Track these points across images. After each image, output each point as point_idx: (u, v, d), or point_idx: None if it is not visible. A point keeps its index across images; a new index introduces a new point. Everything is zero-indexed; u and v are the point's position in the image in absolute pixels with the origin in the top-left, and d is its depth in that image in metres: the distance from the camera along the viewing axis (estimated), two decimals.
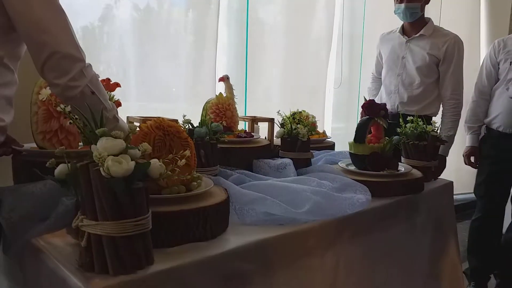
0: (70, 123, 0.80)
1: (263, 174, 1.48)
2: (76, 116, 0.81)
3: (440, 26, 2.59)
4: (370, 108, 1.65)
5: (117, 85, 1.46)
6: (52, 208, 0.98)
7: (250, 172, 1.45)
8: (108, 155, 0.76)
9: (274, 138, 1.84)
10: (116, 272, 0.77)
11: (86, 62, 1.07)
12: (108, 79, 1.45)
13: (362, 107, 1.67)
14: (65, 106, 0.80)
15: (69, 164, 0.80)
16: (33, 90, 1.23)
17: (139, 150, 0.82)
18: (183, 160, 0.85)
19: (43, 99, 0.79)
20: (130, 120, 1.53)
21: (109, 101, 1.12)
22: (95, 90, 1.05)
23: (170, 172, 0.83)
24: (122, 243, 0.78)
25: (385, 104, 1.69)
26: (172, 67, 2.48)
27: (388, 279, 1.46)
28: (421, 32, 2.34)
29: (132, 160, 0.78)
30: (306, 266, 1.14)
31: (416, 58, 2.35)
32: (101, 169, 0.75)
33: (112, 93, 1.43)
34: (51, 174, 0.88)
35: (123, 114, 1.53)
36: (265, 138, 1.86)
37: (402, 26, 2.45)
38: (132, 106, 2.29)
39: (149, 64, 2.37)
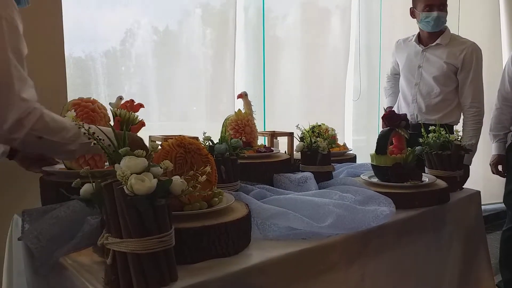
0: (94, 143, 0.82)
1: (284, 189, 1.47)
2: (100, 137, 0.84)
3: (459, 34, 2.56)
4: (391, 119, 1.63)
5: (140, 105, 1.49)
6: (78, 228, 1.00)
7: (271, 187, 1.45)
8: (131, 174, 0.78)
9: (294, 152, 1.84)
10: None
11: (32, 107, 0.97)
12: (132, 101, 1.49)
13: (382, 118, 1.66)
14: (89, 128, 0.82)
15: (93, 184, 0.82)
16: (61, 113, 1.28)
17: (161, 167, 0.83)
18: (204, 176, 0.86)
19: None
20: (152, 139, 1.56)
21: (69, 130, 1.04)
22: (42, 134, 0.99)
23: (191, 189, 0.84)
24: (146, 260, 0.79)
25: (405, 115, 1.68)
26: (192, 86, 2.53)
27: None
28: (438, 41, 2.32)
29: (154, 177, 0.80)
30: (330, 281, 1.12)
31: (433, 67, 2.33)
32: (124, 187, 0.77)
33: (136, 113, 1.46)
34: (77, 194, 0.90)
35: (145, 133, 1.57)
36: (285, 152, 1.86)
37: (418, 35, 2.43)
38: (154, 126, 2.34)
39: (169, 84, 2.43)
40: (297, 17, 3.00)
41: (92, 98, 1.34)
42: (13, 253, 1.26)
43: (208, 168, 0.91)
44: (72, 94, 1.78)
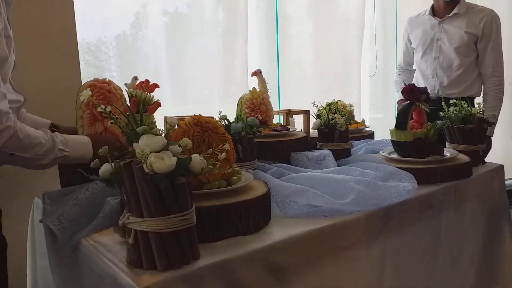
0: (111, 123, 0.81)
1: (301, 167, 1.45)
2: (117, 116, 0.82)
3: (479, 3, 2.47)
4: (411, 93, 1.58)
5: (156, 86, 1.48)
6: (98, 209, 1.01)
7: (288, 165, 1.43)
8: (150, 152, 0.77)
9: (311, 130, 1.81)
10: (164, 267, 0.78)
11: (4, 123, 0.94)
12: (147, 81, 1.47)
13: (402, 92, 1.61)
14: (105, 107, 0.81)
15: (112, 163, 0.81)
16: (77, 95, 1.27)
17: (179, 146, 0.82)
18: (223, 154, 0.84)
19: (84, 100, 0.81)
20: (168, 120, 1.55)
21: (43, 146, 1.03)
22: (14, 151, 0.99)
23: (211, 166, 0.83)
24: (168, 238, 0.78)
25: (426, 88, 1.62)
26: (204, 67, 2.50)
27: (438, 268, 1.40)
28: (455, 11, 2.24)
29: (173, 156, 0.79)
30: (352, 258, 1.11)
31: (453, 38, 2.25)
32: (144, 166, 0.75)
33: (152, 94, 1.45)
34: (96, 175, 0.90)
35: (160, 115, 1.56)
36: (301, 130, 1.84)
37: (432, 8, 2.35)
38: (168, 108, 2.33)
39: (182, 66, 2.40)
40: None
41: (107, 79, 1.33)
42: (35, 235, 1.28)
43: (227, 146, 0.89)
44: (86, 79, 1.78)
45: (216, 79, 2.54)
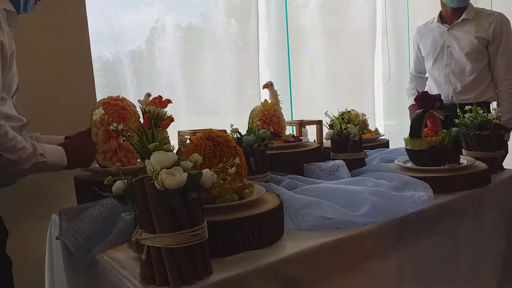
0: (123, 140, 0.83)
1: (315, 178, 1.45)
2: (129, 134, 0.84)
3: (491, 8, 2.44)
4: (425, 100, 1.56)
5: (168, 101, 1.50)
6: (112, 225, 1.02)
7: (301, 177, 1.42)
8: (161, 168, 0.78)
9: (324, 141, 1.80)
10: (176, 284, 0.78)
11: None
12: (160, 97, 1.49)
13: (415, 100, 1.59)
14: (117, 125, 0.82)
15: (125, 180, 0.82)
16: (92, 114, 1.30)
17: (190, 161, 0.82)
18: (233, 168, 0.84)
19: (97, 119, 0.83)
20: (181, 134, 1.57)
21: (26, 150, 1.06)
22: (1, 152, 1.00)
23: (221, 181, 0.83)
24: (180, 254, 0.78)
25: (439, 95, 1.60)
26: (217, 80, 2.53)
27: (457, 280, 1.37)
28: (463, 16, 2.23)
29: (184, 171, 0.79)
30: (367, 270, 1.09)
31: (463, 44, 2.23)
32: (155, 182, 0.76)
33: (165, 109, 1.47)
34: (110, 192, 0.91)
35: (175, 129, 1.58)
36: (314, 141, 1.83)
37: (440, 15, 2.34)
38: (183, 121, 2.36)
39: (195, 79, 2.43)
40: (320, 2, 2.93)
41: (121, 96, 1.35)
42: (53, 251, 1.30)
43: (237, 160, 0.89)
44: (101, 95, 1.82)
45: (229, 91, 2.56)
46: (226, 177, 0.84)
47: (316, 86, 2.93)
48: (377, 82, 3.28)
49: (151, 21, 2.34)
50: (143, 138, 0.84)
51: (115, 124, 0.82)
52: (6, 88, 1.12)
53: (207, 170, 0.83)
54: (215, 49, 2.50)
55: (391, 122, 3.45)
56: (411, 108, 2.48)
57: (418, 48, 2.49)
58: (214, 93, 2.54)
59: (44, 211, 1.39)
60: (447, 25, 2.29)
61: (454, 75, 2.28)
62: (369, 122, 2.15)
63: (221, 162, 1.03)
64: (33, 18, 1.31)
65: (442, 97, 2.24)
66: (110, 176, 0.85)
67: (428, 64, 2.42)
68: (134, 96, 2.20)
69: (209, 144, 1.05)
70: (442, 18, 2.33)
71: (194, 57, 2.42)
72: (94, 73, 1.76)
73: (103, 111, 0.84)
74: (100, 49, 2.14)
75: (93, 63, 1.76)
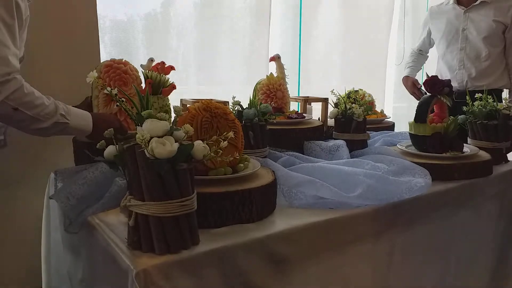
0: (117, 105, 0.82)
1: (314, 157, 1.43)
2: (123, 99, 0.82)
3: None
4: (433, 85, 1.52)
5: (171, 68, 1.48)
6: (106, 189, 1.02)
7: (300, 154, 1.41)
8: (151, 137, 0.77)
9: (328, 119, 1.77)
10: (162, 251, 0.79)
11: (12, 74, 0.96)
12: (163, 63, 1.47)
13: (424, 83, 1.55)
14: (111, 89, 0.81)
15: (117, 146, 0.82)
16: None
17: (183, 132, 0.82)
18: (225, 142, 0.83)
19: (90, 82, 0.81)
20: (183, 102, 1.55)
21: (46, 107, 1.03)
22: (19, 106, 0.97)
23: (213, 154, 0.83)
24: (168, 223, 0.79)
25: (449, 81, 1.55)
26: (229, 49, 2.48)
27: (449, 269, 1.37)
28: None
29: (176, 141, 0.79)
30: (357, 252, 1.10)
31: (481, 27, 2.15)
32: (145, 150, 0.76)
33: (167, 76, 1.45)
34: (103, 156, 0.91)
35: (180, 97, 1.56)
36: (318, 119, 1.81)
37: None
38: (192, 89, 2.34)
39: (207, 48, 2.39)
40: None
41: (124, 60, 1.33)
42: (50, 209, 1.32)
43: (230, 133, 0.88)
44: (110, 57, 1.79)
45: (239, 61, 2.53)
46: (219, 150, 0.83)
47: (327, 62, 2.87)
48: (391, 63, 3.20)
49: None
50: (137, 105, 0.83)
51: (109, 89, 0.81)
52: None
53: (199, 142, 0.83)
54: (228, 18, 2.45)
55: (401, 104, 3.39)
56: (404, 79, 2.48)
57: (429, 31, 2.41)
58: (226, 62, 2.50)
59: (45, 170, 1.40)
60: (463, 7, 2.20)
61: (469, 60, 2.21)
62: (377, 103, 2.11)
63: (218, 134, 1.02)
64: None
65: (456, 83, 2.21)
66: (103, 141, 0.84)
67: (440, 48, 2.35)
68: (144, 59, 2.17)
69: (207, 116, 1.04)
70: (458, 0, 2.24)
71: (207, 25, 2.37)
72: (106, 34, 1.71)
73: (96, 74, 0.83)
74: (115, 9, 2.10)
75: (106, 23, 1.71)
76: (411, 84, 2.39)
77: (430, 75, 1.57)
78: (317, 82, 2.77)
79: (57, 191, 1.04)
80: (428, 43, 2.45)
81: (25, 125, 1.02)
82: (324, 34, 2.81)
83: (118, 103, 0.81)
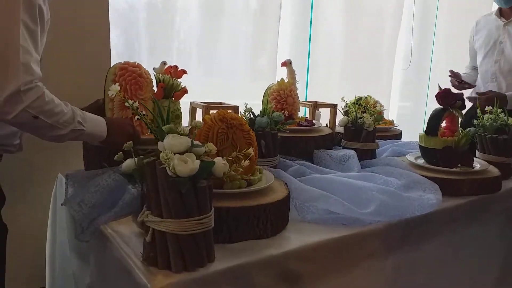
0: (137, 118, 0.80)
1: (324, 166, 1.43)
2: (144, 112, 0.81)
3: None
4: (445, 98, 1.51)
5: (184, 72, 1.45)
6: (118, 196, 1.01)
7: (311, 164, 1.40)
8: (174, 154, 0.76)
9: (336, 126, 1.76)
10: (178, 269, 0.78)
11: (34, 82, 0.96)
12: (176, 66, 1.45)
13: (436, 96, 1.54)
14: (133, 102, 0.80)
15: (136, 159, 0.81)
16: (106, 77, 1.26)
17: (205, 151, 0.80)
18: (247, 161, 0.82)
19: (112, 96, 0.80)
20: (193, 105, 1.53)
21: (65, 114, 1.02)
22: (39, 114, 0.97)
23: (233, 172, 0.81)
24: (185, 241, 0.78)
25: (462, 94, 1.55)
26: (234, 44, 2.46)
27: (456, 285, 1.37)
28: None
29: (197, 157, 0.77)
30: (367, 268, 1.09)
31: None
32: (167, 168, 0.75)
33: (179, 80, 1.43)
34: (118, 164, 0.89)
35: (187, 95, 1.54)
36: (326, 124, 1.80)
37: (500, 8, 2.21)
38: (194, 81, 2.31)
39: (212, 40, 2.36)
40: None
41: (136, 63, 1.31)
42: (56, 210, 1.31)
43: (250, 151, 0.87)
44: (113, 43, 1.76)
45: (245, 55, 2.50)
46: (238, 168, 0.82)
47: (334, 65, 2.85)
48: (397, 66, 3.19)
49: None
50: (158, 119, 0.82)
51: (130, 102, 0.80)
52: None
53: (219, 158, 0.82)
54: (235, 14, 2.41)
55: (405, 103, 3.38)
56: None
57: (472, 40, 2.37)
58: (230, 56, 2.47)
59: (52, 170, 1.39)
60: (504, 20, 2.17)
61: (501, 73, 2.18)
62: (383, 102, 2.09)
63: (233, 145, 1.01)
64: None
65: None
66: (120, 153, 0.83)
67: (479, 58, 2.32)
68: (146, 50, 2.14)
69: (223, 126, 1.03)
70: (501, 12, 2.20)
71: (212, 17, 2.34)
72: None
73: (118, 88, 0.81)
74: None
75: (109, 12, 1.68)
76: (457, 73, 2.31)
77: (442, 88, 1.57)
78: (324, 83, 2.76)
79: (69, 198, 1.03)
80: (475, 55, 2.40)
81: (43, 133, 1.01)
82: (332, 38, 2.79)
83: (138, 117, 0.80)
